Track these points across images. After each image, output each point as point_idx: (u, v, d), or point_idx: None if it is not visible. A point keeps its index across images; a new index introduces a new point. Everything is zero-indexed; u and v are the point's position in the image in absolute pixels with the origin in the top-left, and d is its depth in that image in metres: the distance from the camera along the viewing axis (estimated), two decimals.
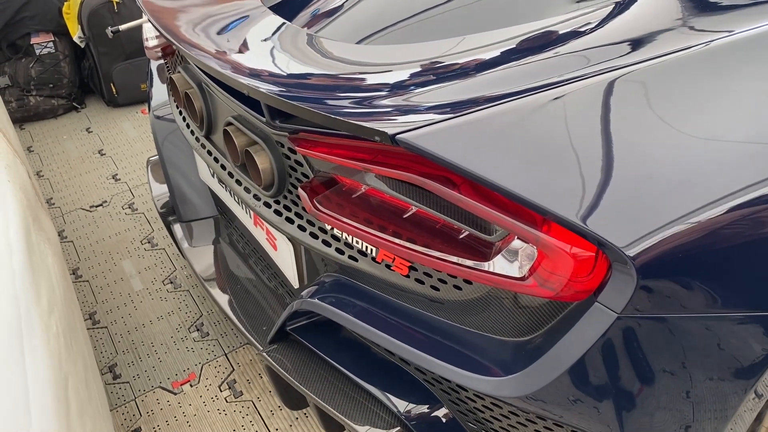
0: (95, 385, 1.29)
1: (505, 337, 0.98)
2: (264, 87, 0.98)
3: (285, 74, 1.06)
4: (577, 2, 1.10)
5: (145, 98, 3.31)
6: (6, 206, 1.18)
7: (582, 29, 1.00)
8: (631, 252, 0.77)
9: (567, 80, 0.88)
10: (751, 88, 0.90)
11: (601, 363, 0.89)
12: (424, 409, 1.17)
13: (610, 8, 1.04)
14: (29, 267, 1.11)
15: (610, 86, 0.87)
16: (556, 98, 0.86)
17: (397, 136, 0.80)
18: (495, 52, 1.00)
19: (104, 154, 2.97)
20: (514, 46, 1.01)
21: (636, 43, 0.94)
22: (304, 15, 1.31)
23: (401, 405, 1.18)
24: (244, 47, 1.16)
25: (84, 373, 1.18)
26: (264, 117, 1.12)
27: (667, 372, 0.92)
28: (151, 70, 1.94)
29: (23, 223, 1.19)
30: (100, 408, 1.24)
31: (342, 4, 1.31)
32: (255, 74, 1.06)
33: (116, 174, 2.82)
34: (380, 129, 0.82)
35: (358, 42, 1.15)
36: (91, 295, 2.19)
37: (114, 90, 3.26)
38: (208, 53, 1.13)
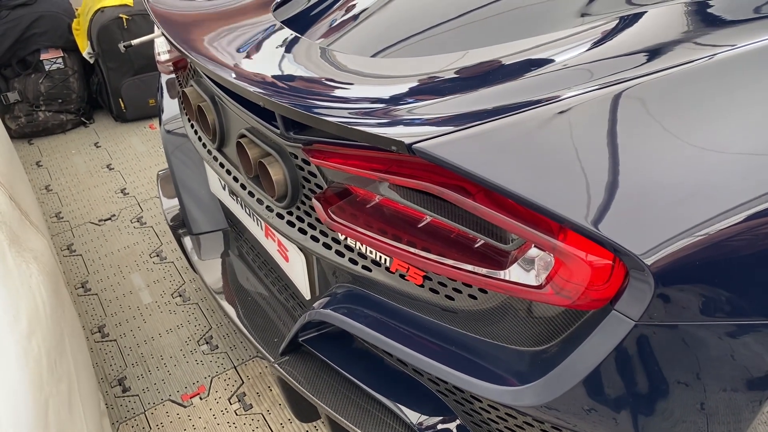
0: (85, 404, 1.27)
1: (520, 346, 0.98)
2: (280, 98, 1.00)
3: (300, 86, 1.07)
4: (582, 17, 1.11)
5: (153, 113, 3.34)
6: None
7: (589, 43, 1.02)
8: (649, 259, 0.77)
9: (577, 92, 0.88)
10: (753, 99, 0.91)
11: (617, 372, 0.89)
12: (438, 420, 1.16)
13: (615, 23, 1.06)
14: (3, 290, 1.08)
15: (621, 98, 0.88)
16: (569, 109, 0.87)
17: (414, 145, 0.81)
18: (506, 64, 1.02)
19: (113, 169, 2.99)
20: (525, 58, 1.02)
21: (642, 56, 0.95)
22: (316, 29, 1.33)
23: (414, 416, 1.17)
24: (258, 60, 1.18)
25: (68, 394, 1.16)
26: (278, 129, 1.13)
27: (682, 382, 0.92)
28: (161, 84, 1.96)
29: None
30: (88, 428, 1.22)
31: (352, 20, 1.32)
32: (270, 86, 1.07)
33: (125, 188, 2.83)
34: (397, 138, 0.82)
35: (373, 55, 1.16)
36: (99, 309, 2.20)
37: (122, 105, 3.29)
38: (224, 66, 1.15)
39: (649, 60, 0.94)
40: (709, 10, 1.06)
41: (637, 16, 1.06)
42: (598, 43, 1.01)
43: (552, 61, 0.98)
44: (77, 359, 1.34)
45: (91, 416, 1.30)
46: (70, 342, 1.33)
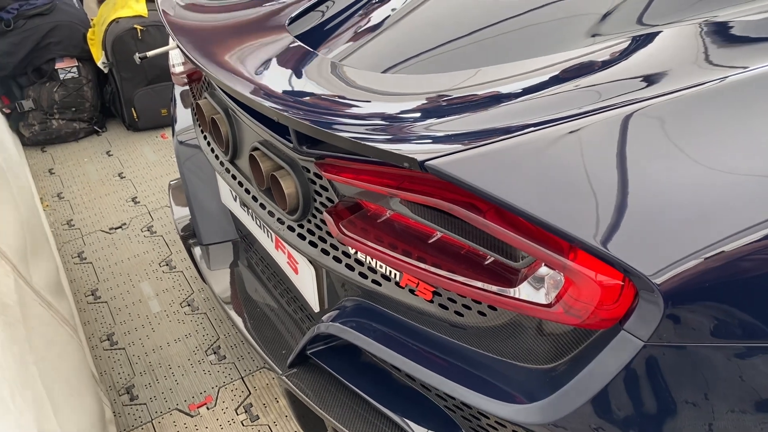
0: (65, 428, 1.27)
1: (528, 364, 0.98)
2: (294, 113, 1.01)
3: (314, 101, 1.09)
4: (594, 36, 1.12)
5: (165, 123, 3.37)
6: None
7: (601, 63, 1.02)
8: (658, 280, 0.78)
9: (589, 112, 0.89)
10: (765, 121, 0.91)
11: (626, 391, 0.88)
12: None
13: (628, 43, 1.06)
14: None
15: (631, 119, 0.88)
16: (580, 129, 0.87)
17: (426, 162, 0.81)
18: (518, 84, 1.02)
19: (124, 177, 3.01)
20: (536, 78, 1.03)
21: (654, 77, 0.96)
22: (329, 44, 1.34)
23: (420, 431, 1.17)
24: (273, 74, 1.19)
25: (35, 424, 1.14)
26: (291, 142, 1.14)
27: (690, 403, 0.91)
28: (174, 95, 1.98)
29: None
30: None
31: (364, 36, 1.33)
32: (284, 101, 1.09)
33: (135, 197, 2.85)
34: (409, 155, 0.83)
35: (384, 71, 1.17)
36: (109, 316, 2.21)
37: (135, 114, 3.32)
38: (238, 80, 1.16)
39: (660, 81, 0.95)
40: (723, 32, 1.06)
41: (650, 37, 1.07)
42: (610, 64, 1.02)
43: (564, 81, 0.98)
44: (53, 388, 1.32)
45: None
46: (41, 371, 1.31)
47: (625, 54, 1.04)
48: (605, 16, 1.14)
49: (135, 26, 3.15)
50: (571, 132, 0.87)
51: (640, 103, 0.89)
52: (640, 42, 1.06)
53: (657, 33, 1.07)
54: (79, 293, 2.32)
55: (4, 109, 3.21)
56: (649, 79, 0.96)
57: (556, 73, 1.02)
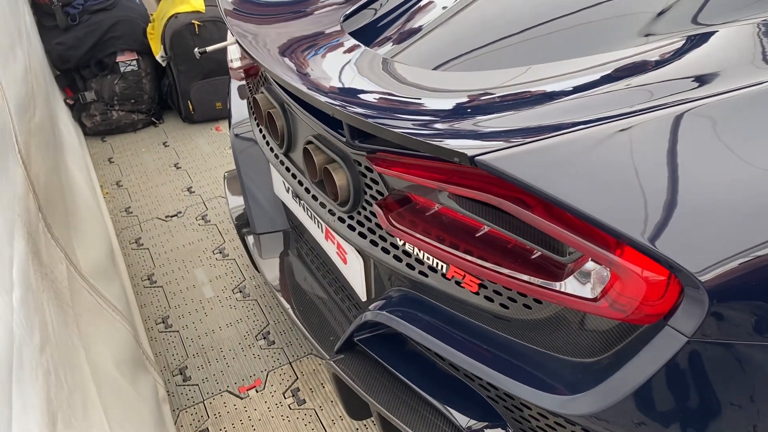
0: (110, 412, 1.31)
1: (572, 357, 1.00)
2: (349, 108, 1.05)
3: (368, 97, 1.12)
4: (647, 36, 1.12)
5: (219, 116, 3.47)
6: (13, 241, 1.18)
7: (654, 62, 1.03)
8: (704, 277, 0.79)
9: (641, 110, 0.90)
10: None
11: (668, 386, 0.90)
12: (487, 425, 1.19)
13: (682, 42, 1.06)
14: (26, 303, 1.10)
15: (683, 118, 0.89)
16: (630, 127, 0.88)
17: (477, 157, 0.84)
18: (569, 82, 1.04)
19: (180, 168, 3.12)
20: (588, 76, 1.04)
21: (708, 78, 0.96)
22: (382, 41, 1.37)
23: (463, 420, 1.20)
24: (328, 71, 1.23)
25: (82, 406, 1.18)
26: (344, 137, 1.18)
27: (734, 400, 0.92)
28: (231, 89, 2.05)
29: (25, 259, 1.19)
30: None
31: (416, 33, 1.36)
32: (339, 96, 1.13)
33: (191, 187, 2.95)
34: (460, 150, 0.86)
35: (435, 68, 1.20)
36: (164, 300, 2.31)
37: (191, 107, 3.42)
38: (295, 76, 1.21)
39: (714, 81, 0.95)
40: None
41: (705, 36, 1.06)
42: (663, 63, 1.02)
43: (616, 79, 0.99)
44: (99, 371, 1.38)
45: (117, 420, 1.35)
46: (87, 355, 1.36)
47: (679, 54, 1.04)
48: (659, 15, 1.14)
49: (193, 21, 3.25)
50: (621, 130, 0.88)
51: (692, 103, 0.90)
52: (694, 42, 1.06)
53: (712, 33, 1.07)
54: (136, 277, 2.43)
55: (67, 101, 3.36)
56: (703, 79, 0.96)
57: (609, 71, 1.03)
